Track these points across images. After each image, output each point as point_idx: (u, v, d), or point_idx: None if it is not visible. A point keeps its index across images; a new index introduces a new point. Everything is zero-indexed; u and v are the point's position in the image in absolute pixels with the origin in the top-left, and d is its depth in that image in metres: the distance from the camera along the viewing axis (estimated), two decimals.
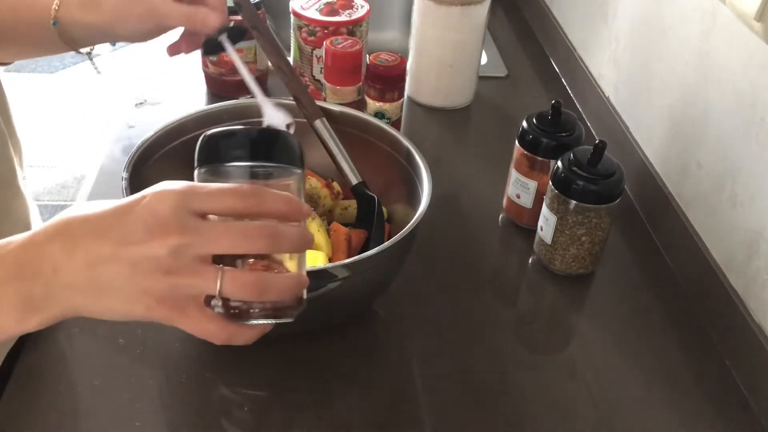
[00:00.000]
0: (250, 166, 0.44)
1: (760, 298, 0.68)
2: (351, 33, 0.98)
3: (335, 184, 0.79)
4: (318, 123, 0.75)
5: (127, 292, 0.41)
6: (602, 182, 0.72)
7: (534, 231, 0.80)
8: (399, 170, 0.74)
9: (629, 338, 0.73)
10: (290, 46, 1.03)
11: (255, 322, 0.43)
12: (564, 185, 0.73)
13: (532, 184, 0.81)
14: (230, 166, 0.44)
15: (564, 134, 0.79)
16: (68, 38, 0.68)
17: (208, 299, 0.42)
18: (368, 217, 0.73)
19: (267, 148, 0.45)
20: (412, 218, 0.64)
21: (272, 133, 0.46)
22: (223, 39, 0.71)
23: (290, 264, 0.45)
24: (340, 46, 0.87)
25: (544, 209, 0.77)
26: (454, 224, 0.86)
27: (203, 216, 0.41)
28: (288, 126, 0.73)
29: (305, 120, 0.75)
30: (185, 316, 0.42)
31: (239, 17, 0.77)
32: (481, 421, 0.64)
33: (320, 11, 0.98)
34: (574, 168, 0.73)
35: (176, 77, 1.08)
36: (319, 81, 1.00)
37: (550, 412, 0.65)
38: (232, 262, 0.42)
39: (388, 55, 0.89)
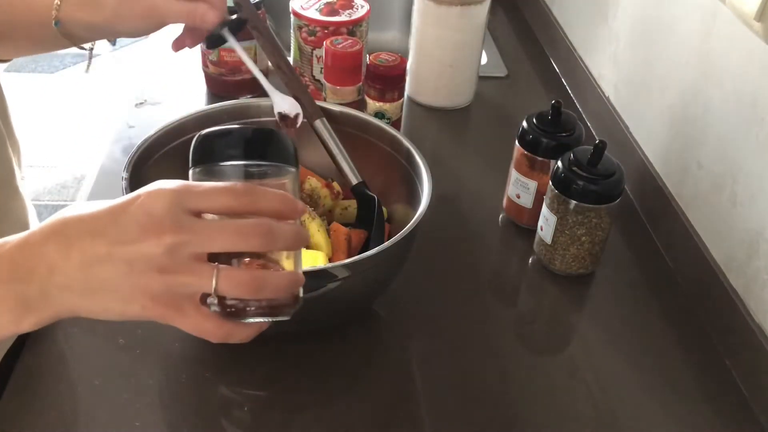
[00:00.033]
0: (245, 165, 0.44)
1: (760, 298, 0.68)
2: (351, 33, 0.98)
3: (335, 184, 0.79)
4: (318, 123, 0.75)
5: (122, 291, 0.41)
6: (602, 182, 0.72)
7: (534, 231, 0.80)
8: (399, 170, 0.74)
9: (629, 338, 0.73)
10: (290, 46, 1.03)
11: (251, 320, 0.43)
12: (564, 185, 0.73)
13: (532, 184, 0.81)
14: (224, 165, 0.44)
15: (564, 134, 0.79)
16: (69, 36, 0.68)
17: (204, 298, 0.42)
18: (368, 217, 0.73)
19: (261, 147, 0.45)
20: (412, 218, 0.64)
21: (266, 133, 0.46)
22: (225, 33, 0.71)
23: (286, 263, 0.45)
24: (340, 46, 0.87)
25: (544, 209, 0.77)
26: (454, 224, 0.86)
27: (198, 215, 0.41)
28: (296, 116, 0.73)
29: (305, 120, 0.76)
30: (181, 314, 0.42)
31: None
32: (481, 421, 0.64)
33: (320, 11, 0.98)
34: (574, 168, 0.73)
35: (176, 77, 1.08)
36: (319, 81, 1.00)
37: (550, 412, 0.65)
38: (228, 261, 0.43)
39: (388, 55, 0.89)
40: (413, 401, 0.66)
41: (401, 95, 0.90)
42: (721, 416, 0.66)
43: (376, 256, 0.61)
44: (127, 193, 0.62)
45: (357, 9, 0.99)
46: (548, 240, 0.77)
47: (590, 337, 0.74)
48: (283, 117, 0.75)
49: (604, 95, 1.03)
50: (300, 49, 1.01)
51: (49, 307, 0.42)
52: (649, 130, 0.91)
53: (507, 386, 0.67)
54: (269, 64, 0.78)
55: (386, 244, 0.61)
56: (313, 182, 0.77)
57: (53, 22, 0.65)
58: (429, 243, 0.73)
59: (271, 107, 0.78)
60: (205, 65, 1.03)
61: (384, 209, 0.75)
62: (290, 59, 1.02)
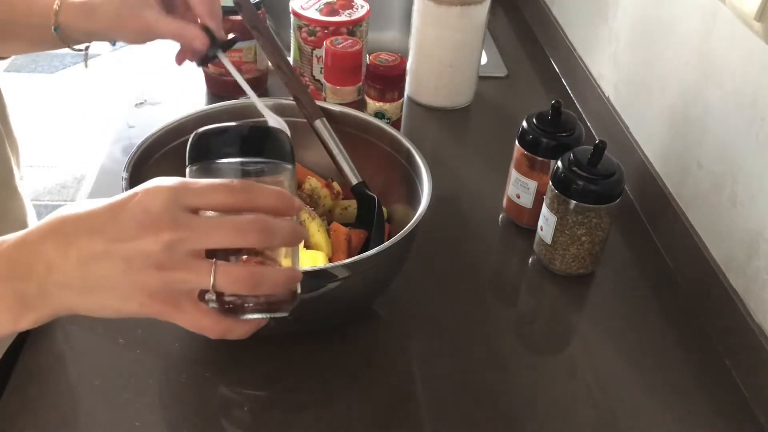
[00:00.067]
0: (241, 163, 0.44)
1: (760, 298, 0.68)
2: (351, 33, 0.98)
3: (335, 184, 0.79)
4: (318, 123, 0.75)
5: (120, 288, 0.41)
6: (602, 182, 0.72)
7: (534, 231, 0.80)
8: (399, 170, 0.74)
9: (629, 338, 0.73)
10: (290, 46, 1.03)
11: (250, 316, 0.43)
12: (564, 185, 0.73)
13: (532, 184, 0.81)
14: (221, 162, 0.44)
15: (564, 134, 0.79)
16: (68, 40, 0.70)
17: (202, 294, 0.42)
18: (368, 217, 0.73)
19: (258, 145, 0.45)
20: (412, 218, 0.64)
21: (263, 130, 0.46)
22: (219, 54, 0.72)
23: (284, 260, 0.45)
24: (340, 46, 0.87)
25: (544, 209, 0.77)
26: (454, 224, 0.86)
27: (195, 212, 0.41)
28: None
29: (305, 120, 0.76)
30: (179, 311, 0.42)
31: (239, 17, 0.77)
32: (481, 421, 0.64)
33: (320, 11, 0.98)
34: (574, 168, 0.73)
35: (176, 77, 1.08)
36: (319, 81, 1.00)
37: (550, 412, 0.65)
38: (226, 259, 0.43)
39: (388, 55, 0.89)
40: (413, 401, 0.66)
41: (401, 95, 0.90)
42: (721, 416, 0.66)
43: (376, 256, 0.61)
44: None
45: (357, 9, 0.99)
46: (548, 240, 0.77)
47: (590, 337, 0.74)
48: None
49: (604, 95, 1.03)
50: (300, 49, 1.01)
51: (48, 305, 0.42)
52: (649, 130, 0.91)
53: (507, 386, 0.67)
54: (269, 64, 0.78)
55: (386, 244, 0.61)
56: (313, 182, 0.77)
57: (53, 28, 0.67)
58: (429, 243, 0.74)
59: (271, 107, 0.78)
60: (205, 65, 1.03)
61: (384, 209, 0.75)
62: (290, 59, 1.02)
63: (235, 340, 0.68)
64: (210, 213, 0.42)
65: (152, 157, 0.71)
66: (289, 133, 0.69)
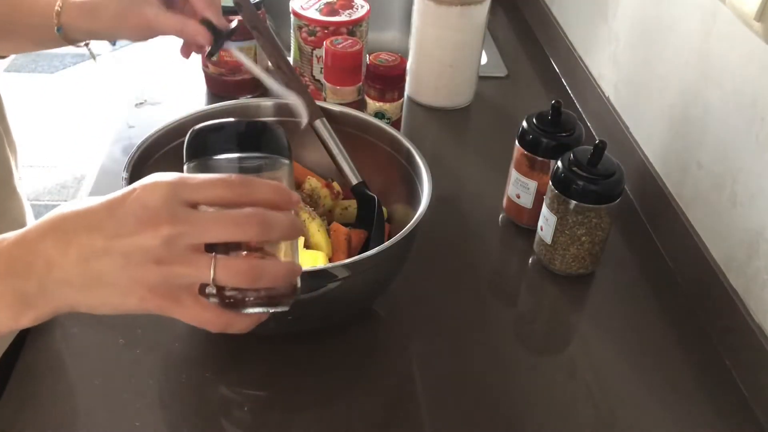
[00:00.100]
0: (239, 159, 0.45)
1: (760, 298, 0.68)
2: (351, 33, 0.98)
3: (335, 184, 0.79)
4: (318, 123, 0.75)
5: (120, 284, 0.41)
6: (602, 182, 0.72)
7: (534, 231, 0.80)
8: (399, 170, 0.74)
9: (629, 338, 0.73)
10: (290, 46, 1.03)
11: (251, 310, 0.43)
12: (564, 185, 0.73)
13: (532, 184, 0.81)
14: (219, 158, 0.44)
15: (564, 134, 0.79)
16: (70, 40, 0.70)
17: (203, 288, 0.42)
18: (368, 217, 0.73)
19: (255, 140, 0.45)
20: (412, 218, 0.64)
21: (259, 126, 0.46)
22: (228, 45, 0.72)
23: (284, 257, 0.45)
24: (340, 46, 0.87)
25: (544, 209, 0.77)
26: (454, 224, 0.86)
27: (194, 206, 0.41)
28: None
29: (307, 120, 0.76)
30: (180, 305, 0.42)
31: (239, 17, 0.77)
32: (481, 421, 0.64)
33: (320, 11, 0.98)
34: (574, 168, 0.73)
35: (176, 77, 1.08)
36: (319, 81, 1.00)
37: (550, 412, 0.65)
38: (225, 254, 0.43)
39: (388, 55, 0.89)
40: (413, 401, 0.66)
41: (401, 95, 0.90)
42: (721, 416, 0.66)
43: (376, 256, 0.61)
44: None
45: (357, 9, 0.99)
46: (548, 240, 0.77)
47: (590, 337, 0.74)
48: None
49: (604, 95, 1.03)
50: (300, 49, 1.01)
51: (48, 303, 0.42)
52: (649, 130, 0.91)
53: (507, 386, 0.67)
54: (269, 64, 0.78)
55: (386, 244, 0.61)
56: (313, 182, 0.77)
57: (56, 28, 0.67)
58: (429, 243, 0.73)
59: (271, 107, 0.78)
60: (205, 65, 1.03)
61: (384, 209, 0.75)
62: (290, 59, 1.02)
63: (235, 340, 0.68)
64: (208, 208, 0.42)
65: (152, 157, 0.71)
66: (306, 116, 0.69)
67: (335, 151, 0.74)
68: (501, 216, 0.87)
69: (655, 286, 0.80)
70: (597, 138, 0.93)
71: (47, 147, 2.55)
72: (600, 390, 0.67)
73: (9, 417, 0.61)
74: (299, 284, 0.45)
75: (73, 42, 0.70)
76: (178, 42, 0.73)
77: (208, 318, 0.42)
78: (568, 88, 1.15)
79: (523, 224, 0.85)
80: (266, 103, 0.78)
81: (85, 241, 0.40)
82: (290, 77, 0.77)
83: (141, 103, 1.03)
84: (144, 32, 0.69)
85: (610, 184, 0.73)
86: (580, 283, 0.79)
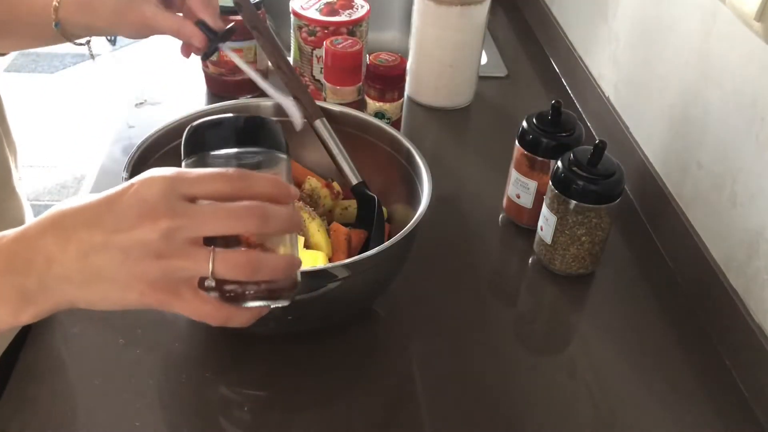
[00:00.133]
0: (237, 154, 0.45)
1: (760, 298, 0.68)
2: (351, 33, 0.98)
3: (335, 184, 0.79)
4: (318, 123, 0.75)
5: (120, 279, 0.41)
6: (602, 182, 0.72)
7: (534, 231, 0.80)
8: (399, 170, 0.74)
9: (629, 338, 0.73)
10: (290, 46, 1.03)
11: (251, 304, 0.43)
12: (564, 185, 0.73)
13: (532, 184, 0.81)
14: (216, 154, 0.44)
15: (564, 134, 0.79)
16: (68, 35, 0.70)
17: (202, 282, 0.42)
18: (368, 217, 0.73)
19: (252, 136, 0.45)
20: (412, 218, 0.64)
21: (257, 121, 0.46)
22: (221, 46, 0.72)
23: (282, 250, 0.45)
24: (340, 46, 0.87)
25: (544, 209, 0.77)
26: (454, 224, 0.86)
27: (192, 201, 0.41)
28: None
29: (305, 120, 0.75)
30: (180, 299, 0.42)
31: (239, 17, 0.77)
32: (481, 421, 0.64)
33: (320, 11, 0.98)
34: (574, 168, 0.73)
35: (176, 77, 1.08)
36: (319, 81, 1.00)
37: (550, 412, 0.65)
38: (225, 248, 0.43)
39: (388, 55, 0.89)
40: (413, 401, 0.66)
41: (401, 95, 0.90)
42: (721, 416, 0.66)
43: (376, 256, 0.60)
44: None
45: (357, 9, 0.99)
46: (548, 240, 0.77)
47: (590, 337, 0.74)
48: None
49: (604, 95, 1.03)
50: (300, 49, 1.01)
51: (48, 299, 0.42)
52: (649, 130, 0.91)
53: (507, 386, 0.67)
54: (269, 64, 0.78)
55: (386, 244, 0.61)
56: (313, 182, 0.77)
57: (53, 23, 0.67)
58: (429, 243, 0.73)
59: (271, 107, 0.78)
60: (205, 65, 1.03)
61: (384, 209, 0.75)
62: (290, 59, 1.02)
63: (235, 340, 0.68)
64: (207, 203, 0.42)
65: (152, 157, 0.71)
66: (300, 118, 0.70)
67: (335, 151, 0.74)
68: (501, 216, 0.87)
69: (655, 286, 0.80)
70: (597, 138, 0.93)
71: (47, 147, 2.55)
72: (600, 390, 0.67)
73: (9, 417, 0.61)
74: (299, 278, 0.45)
75: (71, 38, 0.70)
76: (178, 41, 0.73)
77: (208, 311, 0.42)
78: (568, 88, 1.15)
79: (523, 224, 0.85)
80: (266, 103, 0.78)
81: (85, 237, 0.41)
82: (290, 77, 0.77)
83: (141, 103, 1.03)
84: (141, 30, 0.69)
85: (610, 184, 0.73)
86: (580, 283, 0.79)
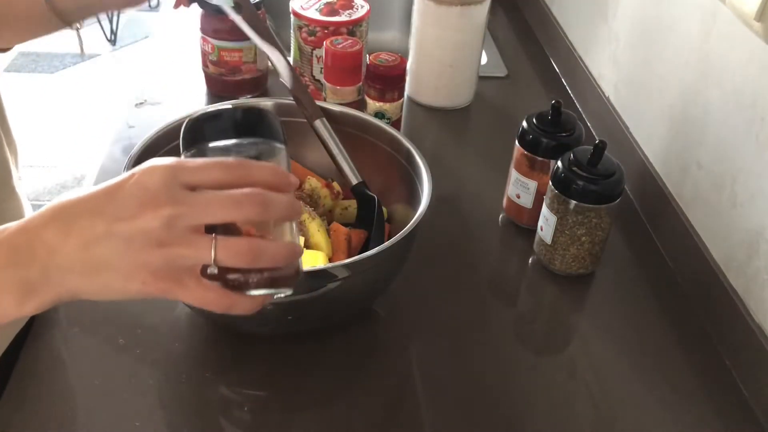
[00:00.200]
0: (235, 145, 0.45)
1: (760, 298, 0.68)
2: (351, 33, 0.98)
3: (335, 184, 0.79)
4: (318, 123, 0.75)
5: (122, 268, 0.41)
6: (602, 182, 0.72)
7: (534, 231, 0.80)
8: (399, 170, 0.74)
9: (629, 338, 0.73)
10: (290, 46, 1.03)
11: (254, 293, 0.43)
12: (564, 185, 0.73)
13: (532, 184, 0.81)
14: (215, 145, 0.45)
15: (564, 134, 0.79)
16: (61, 14, 0.69)
17: (204, 270, 0.42)
18: (368, 217, 0.73)
19: (250, 126, 0.45)
20: (412, 218, 0.64)
21: (254, 112, 0.46)
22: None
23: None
24: (340, 46, 0.87)
25: (544, 209, 0.77)
26: (454, 224, 0.86)
27: (193, 189, 0.41)
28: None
29: (305, 120, 0.76)
30: (182, 287, 0.42)
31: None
32: (481, 421, 0.64)
33: (320, 11, 0.98)
34: (574, 168, 0.73)
35: (176, 77, 1.08)
36: (319, 81, 1.00)
37: (550, 412, 0.65)
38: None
39: (388, 55, 0.89)
40: (413, 401, 0.66)
41: (401, 95, 0.90)
42: (721, 416, 0.66)
43: (376, 256, 0.61)
44: None
45: (357, 9, 0.99)
46: (548, 240, 0.77)
47: (590, 337, 0.74)
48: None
49: (604, 95, 1.03)
50: (300, 49, 1.01)
51: (51, 290, 0.42)
52: (649, 130, 0.91)
53: (507, 386, 0.67)
54: (269, 64, 0.78)
55: (386, 244, 0.61)
56: (313, 182, 0.77)
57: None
58: (429, 243, 0.73)
59: (271, 107, 0.78)
60: (205, 65, 1.03)
61: (384, 209, 0.75)
62: (290, 59, 1.02)
63: (235, 340, 0.68)
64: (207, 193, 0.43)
65: (152, 157, 0.70)
66: (288, 71, 0.70)
67: (335, 151, 0.74)
68: (501, 216, 0.87)
69: (655, 286, 0.80)
70: (597, 138, 0.93)
71: (47, 147, 2.55)
72: (600, 390, 0.67)
73: (9, 417, 0.61)
74: (302, 266, 0.45)
75: (64, 18, 0.69)
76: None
77: (212, 298, 0.42)
78: (568, 88, 1.15)
79: (523, 224, 0.85)
80: (266, 103, 0.78)
81: (86, 226, 0.41)
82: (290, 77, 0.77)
83: (141, 103, 1.03)
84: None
85: (610, 184, 0.73)
86: (580, 283, 0.79)
